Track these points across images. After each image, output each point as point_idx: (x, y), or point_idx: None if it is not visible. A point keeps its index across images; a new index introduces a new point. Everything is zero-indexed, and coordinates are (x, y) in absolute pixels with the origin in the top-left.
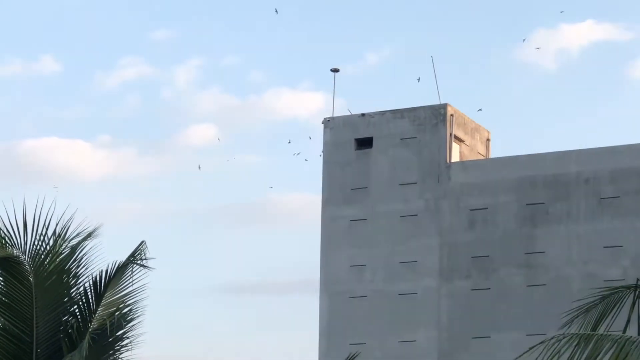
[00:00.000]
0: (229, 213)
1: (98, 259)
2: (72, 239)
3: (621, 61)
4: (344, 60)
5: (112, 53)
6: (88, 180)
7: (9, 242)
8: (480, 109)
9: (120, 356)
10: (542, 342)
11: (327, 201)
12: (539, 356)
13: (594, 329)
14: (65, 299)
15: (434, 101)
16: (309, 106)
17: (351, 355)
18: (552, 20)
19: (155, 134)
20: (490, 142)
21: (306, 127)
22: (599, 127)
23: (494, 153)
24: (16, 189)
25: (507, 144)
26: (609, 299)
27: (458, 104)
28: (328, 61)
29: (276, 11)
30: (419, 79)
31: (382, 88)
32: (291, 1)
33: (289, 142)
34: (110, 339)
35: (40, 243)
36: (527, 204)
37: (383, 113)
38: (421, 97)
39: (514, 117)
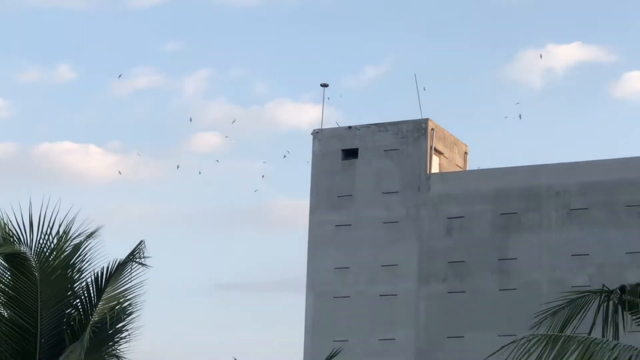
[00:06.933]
0: (226, 216)
1: (100, 257)
2: (74, 238)
3: (604, 81)
4: (345, 74)
5: (125, 63)
6: (98, 183)
7: (16, 239)
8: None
9: (119, 347)
10: (513, 342)
11: (315, 207)
12: (509, 355)
13: (562, 330)
14: (69, 293)
15: (434, 115)
16: (308, 117)
17: (334, 351)
18: (540, 40)
19: (162, 140)
20: (468, 156)
21: (306, 137)
22: (579, 142)
23: (472, 166)
24: (30, 189)
25: (485, 157)
26: (576, 303)
27: (443, 120)
28: (329, 75)
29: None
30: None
31: (379, 101)
32: (295, 16)
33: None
34: (110, 332)
35: (45, 241)
36: (501, 214)
37: (368, 126)
38: (419, 111)
39: (495, 133)
